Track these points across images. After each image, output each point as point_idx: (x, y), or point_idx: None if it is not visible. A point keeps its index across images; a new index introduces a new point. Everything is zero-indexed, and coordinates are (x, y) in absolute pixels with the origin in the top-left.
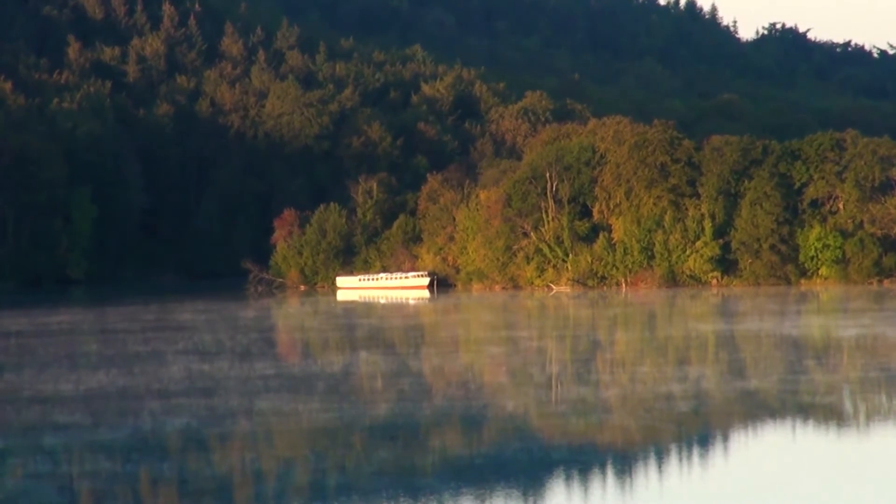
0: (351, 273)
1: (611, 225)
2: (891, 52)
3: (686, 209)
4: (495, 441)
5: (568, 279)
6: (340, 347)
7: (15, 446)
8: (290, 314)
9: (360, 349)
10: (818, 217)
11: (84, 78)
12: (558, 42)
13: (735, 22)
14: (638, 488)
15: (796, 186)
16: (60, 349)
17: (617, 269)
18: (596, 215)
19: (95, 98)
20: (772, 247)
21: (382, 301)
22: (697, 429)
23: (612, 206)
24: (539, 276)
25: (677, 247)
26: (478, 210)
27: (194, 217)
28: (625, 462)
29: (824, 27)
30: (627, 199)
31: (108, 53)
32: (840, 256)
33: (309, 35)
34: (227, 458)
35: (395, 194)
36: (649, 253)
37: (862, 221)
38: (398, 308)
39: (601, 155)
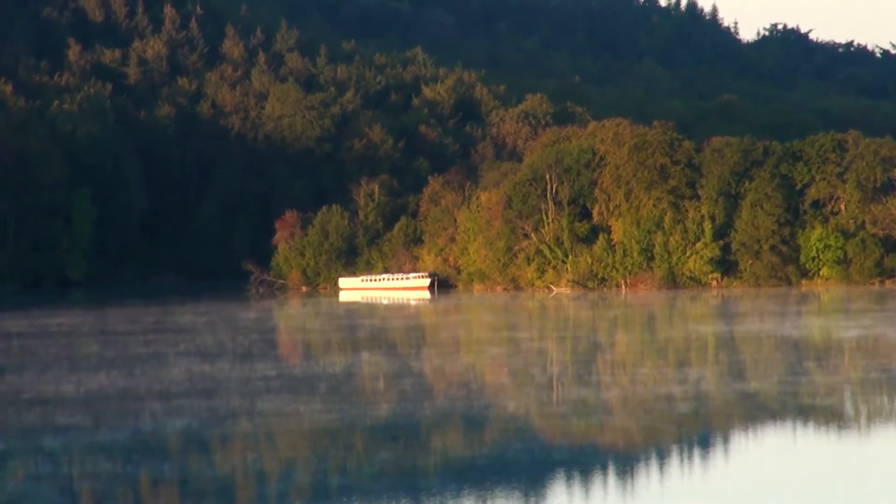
0: (353, 274)
1: (610, 226)
2: (893, 51)
3: (686, 210)
4: (496, 442)
5: (568, 280)
6: (342, 348)
7: (16, 448)
8: (291, 315)
9: (362, 350)
10: (819, 218)
11: (84, 80)
12: (558, 43)
13: (736, 23)
14: (639, 489)
15: (797, 187)
16: (61, 351)
17: (617, 270)
18: (596, 217)
19: (96, 100)
20: (772, 248)
21: (385, 302)
22: (698, 430)
23: (611, 208)
24: (539, 278)
25: (677, 248)
26: (478, 212)
27: (195, 218)
28: (625, 463)
29: (826, 27)
30: (627, 200)
31: (109, 55)
32: (841, 257)
33: (309, 37)
34: (228, 459)
35: (397, 196)
36: (649, 254)
37: (863, 222)
38: (400, 309)
39: (601, 157)
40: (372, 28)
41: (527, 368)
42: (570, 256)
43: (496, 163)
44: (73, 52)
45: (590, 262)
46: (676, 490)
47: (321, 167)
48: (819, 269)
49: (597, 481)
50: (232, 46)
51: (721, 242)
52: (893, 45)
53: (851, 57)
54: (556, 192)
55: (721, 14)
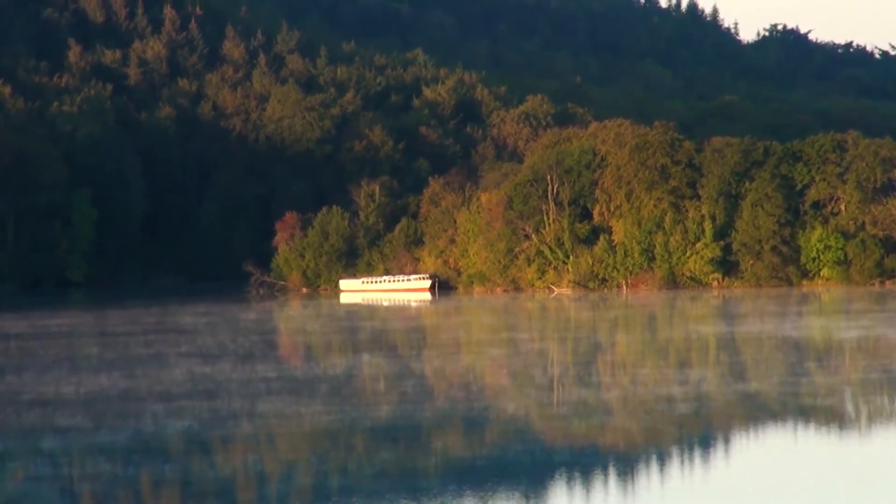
0: (354, 276)
1: (611, 227)
2: (892, 52)
3: (686, 211)
4: (497, 443)
5: (569, 281)
6: (342, 350)
7: (16, 449)
8: (292, 317)
9: (363, 351)
10: (820, 218)
11: (84, 81)
12: (559, 44)
13: (736, 23)
14: (639, 490)
15: (798, 188)
16: (61, 352)
17: (617, 270)
18: (596, 217)
19: (96, 101)
20: (773, 248)
21: (385, 303)
22: (698, 431)
23: (612, 209)
24: (540, 279)
25: (678, 248)
26: (479, 213)
27: (195, 220)
28: (626, 464)
29: (825, 28)
30: (628, 201)
31: (109, 56)
32: (842, 258)
33: (309, 38)
34: (229, 461)
35: (397, 197)
36: (650, 255)
37: (864, 223)
38: (400, 310)
39: (602, 157)
40: (372, 29)
41: (527, 369)
42: (570, 257)
43: (497, 164)
44: (74, 52)
45: (590, 262)
46: (677, 491)
47: (321, 168)
48: (819, 270)
49: (597, 482)
50: (232, 48)
51: (722, 243)
52: (893, 46)
53: (851, 58)
54: (557, 192)
55: (721, 15)
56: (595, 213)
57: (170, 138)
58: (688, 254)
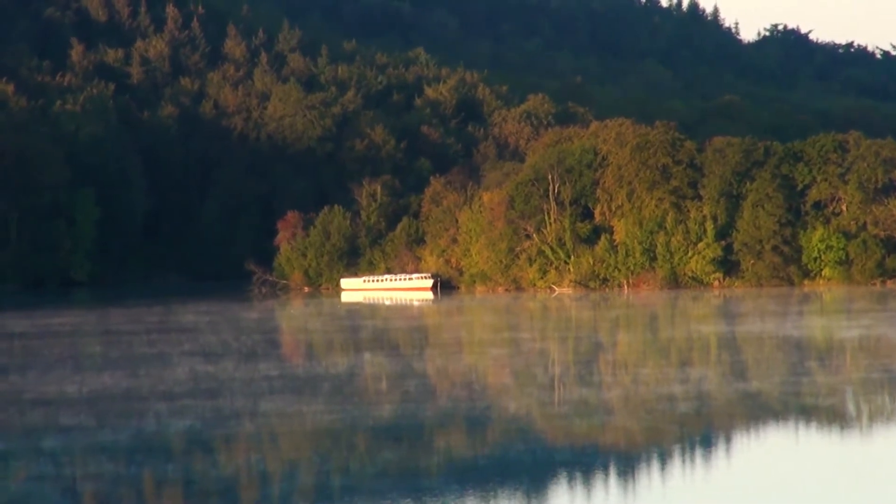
0: (355, 275)
1: (612, 227)
2: (893, 52)
3: (688, 211)
4: (499, 442)
5: (570, 281)
6: (344, 349)
7: (19, 448)
8: (293, 316)
9: (364, 350)
10: (821, 218)
11: (87, 80)
12: (561, 44)
13: (737, 23)
14: (641, 490)
15: (799, 188)
16: (64, 351)
17: (619, 270)
18: (598, 217)
19: (99, 100)
20: (774, 248)
21: (387, 303)
22: (700, 430)
23: (613, 208)
24: (541, 278)
25: (679, 248)
26: (481, 212)
27: (197, 219)
28: (627, 463)
29: (826, 28)
30: (629, 200)
31: (112, 55)
32: (843, 258)
33: (311, 37)
34: (232, 460)
35: (399, 197)
36: (651, 255)
37: (865, 223)
38: (402, 310)
39: (603, 157)
40: (373, 28)
41: (529, 369)
42: (572, 257)
43: (498, 163)
44: (76, 51)
45: (592, 262)
46: (679, 490)
47: (323, 167)
48: (821, 270)
49: (599, 482)
50: (234, 46)
51: (723, 243)
52: (894, 46)
53: (852, 58)
54: (559, 192)
55: (722, 15)
56: (596, 212)
57: (172, 137)
58: (689, 254)
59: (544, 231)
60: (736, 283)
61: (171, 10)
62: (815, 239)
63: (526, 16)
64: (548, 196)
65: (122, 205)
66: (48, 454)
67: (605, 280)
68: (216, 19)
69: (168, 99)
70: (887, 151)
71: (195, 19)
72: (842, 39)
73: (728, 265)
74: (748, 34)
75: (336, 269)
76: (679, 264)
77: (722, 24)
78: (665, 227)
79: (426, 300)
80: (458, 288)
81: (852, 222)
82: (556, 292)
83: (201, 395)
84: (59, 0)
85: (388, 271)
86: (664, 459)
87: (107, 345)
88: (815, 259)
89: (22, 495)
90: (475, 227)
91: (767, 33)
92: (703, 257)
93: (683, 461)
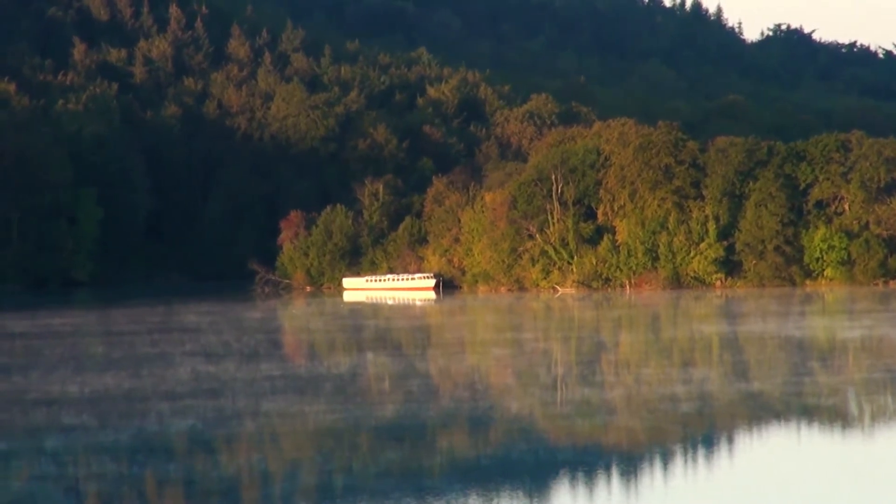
0: (358, 274)
1: (615, 227)
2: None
3: (690, 211)
4: (501, 442)
5: (573, 281)
6: (347, 348)
7: (21, 448)
8: (296, 315)
9: (367, 350)
10: (823, 218)
11: (90, 79)
12: (563, 44)
13: (740, 23)
14: (643, 490)
15: (801, 187)
16: (66, 351)
17: (621, 270)
18: (600, 217)
19: (101, 99)
20: (776, 248)
21: (390, 302)
22: (702, 430)
23: (616, 208)
24: (544, 278)
25: (681, 248)
26: (483, 212)
27: (200, 219)
28: (630, 463)
29: (829, 28)
30: (632, 200)
31: (115, 55)
32: (845, 257)
33: (314, 37)
34: (233, 460)
35: (401, 196)
36: (653, 255)
37: (867, 222)
38: (404, 309)
39: (606, 157)
40: (376, 28)
41: (531, 369)
42: (574, 257)
43: (501, 163)
44: (79, 51)
45: (594, 262)
46: (681, 490)
47: (326, 167)
48: (823, 270)
49: (601, 482)
50: (237, 46)
51: (725, 243)
52: None
53: (854, 57)
54: (561, 192)
55: (725, 14)
56: (599, 212)
57: (175, 137)
58: (691, 254)
59: (547, 231)
60: (738, 284)
61: (174, 10)
62: (817, 239)
63: (529, 15)
64: (551, 196)
65: (125, 205)
66: (50, 454)
67: (607, 280)
68: (219, 19)
69: (171, 99)
70: (890, 151)
71: (198, 19)
72: (845, 39)
73: (730, 265)
74: (751, 34)
75: (338, 269)
76: (681, 264)
77: (725, 24)
78: (667, 228)
79: (428, 300)
80: (461, 288)
81: (855, 222)
82: (559, 292)
83: (203, 396)
84: None
85: (391, 271)
86: (666, 459)
87: (109, 345)
88: (818, 259)
89: (24, 495)
90: (477, 227)
91: (770, 33)
92: (706, 257)
93: (685, 461)
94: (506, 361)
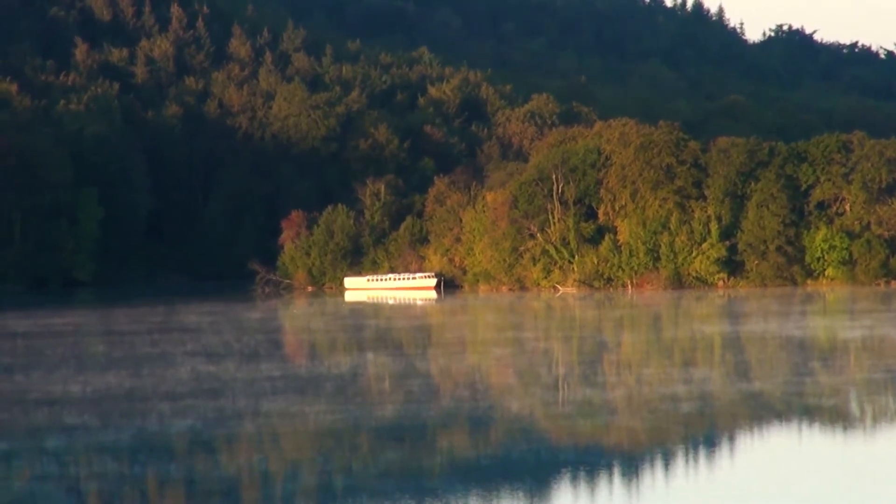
0: (359, 274)
1: (616, 227)
2: None
3: (692, 211)
4: (502, 442)
5: (574, 280)
6: (347, 348)
7: (23, 448)
8: (297, 315)
9: (367, 350)
10: (825, 218)
11: (91, 79)
12: (564, 44)
13: (741, 23)
14: (644, 490)
15: (803, 188)
16: (67, 351)
17: (623, 270)
18: (601, 217)
19: (103, 99)
20: (778, 248)
21: (391, 302)
22: (703, 430)
23: (617, 208)
24: (545, 278)
25: (683, 248)
26: (484, 212)
27: (201, 218)
28: (631, 463)
29: (831, 28)
30: (633, 200)
31: (116, 55)
32: (847, 258)
33: (315, 37)
34: (234, 460)
35: (403, 196)
36: (655, 255)
37: (869, 223)
38: (405, 309)
39: (607, 157)
40: (377, 28)
41: (532, 369)
42: (576, 256)
43: (502, 163)
44: (80, 51)
45: (596, 262)
46: (682, 490)
47: (327, 167)
48: (824, 270)
49: (603, 482)
50: (239, 46)
51: (727, 243)
52: None
53: (856, 58)
54: (562, 192)
55: (727, 15)
56: (600, 212)
57: (176, 137)
58: (693, 254)
59: (548, 231)
60: (740, 284)
61: (175, 10)
62: (818, 239)
63: (530, 15)
64: (552, 196)
65: (126, 204)
66: (52, 454)
67: (609, 280)
68: (221, 19)
69: (172, 98)
70: (891, 151)
71: (200, 19)
72: (846, 39)
73: (732, 265)
74: (753, 34)
75: (340, 269)
76: (683, 264)
77: (726, 24)
78: (669, 228)
79: (429, 299)
80: (462, 287)
81: (856, 222)
82: (560, 292)
83: (204, 396)
84: None
85: (392, 270)
86: (668, 459)
87: (110, 345)
88: (819, 259)
89: (25, 495)
90: (479, 227)
91: (772, 33)
92: (707, 257)
93: (687, 461)
94: (507, 361)
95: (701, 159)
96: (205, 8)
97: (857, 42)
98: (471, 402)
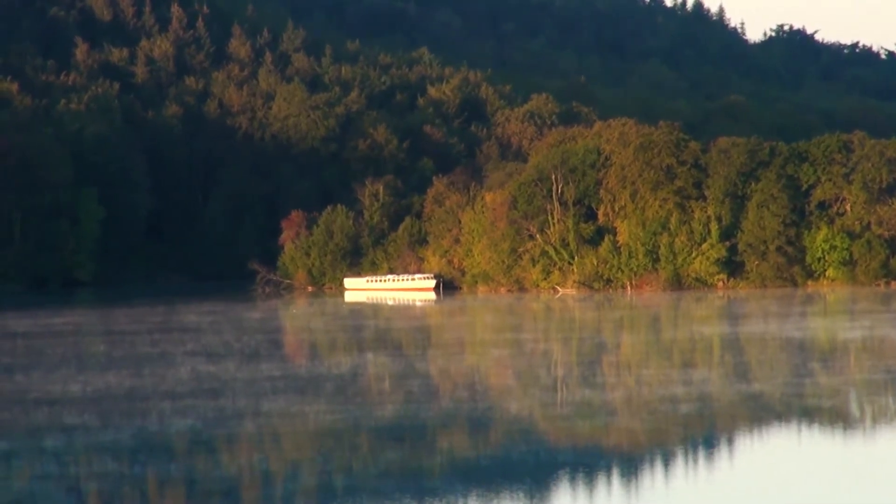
0: (359, 274)
1: (616, 228)
2: None
3: (692, 211)
4: (502, 443)
5: (573, 282)
6: (347, 349)
7: (23, 447)
8: (297, 315)
9: (367, 350)
10: (825, 219)
11: (91, 79)
12: (564, 44)
13: (742, 23)
14: (643, 490)
15: (803, 188)
16: (67, 350)
17: (622, 271)
18: (601, 218)
19: (103, 99)
20: (778, 249)
21: (390, 303)
22: (703, 431)
23: (617, 209)
24: (544, 279)
25: (683, 249)
26: (483, 213)
27: (201, 218)
28: (630, 464)
29: (831, 28)
30: (633, 201)
31: (117, 55)
32: (847, 258)
33: (315, 37)
34: (234, 460)
35: (402, 197)
36: (654, 256)
37: (869, 223)
38: (405, 310)
39: (606, 157)
40: (377, 28)
41: (532, 370)
42: (575, 258)
43: (501, 163)
44: (81, 51)
45: (595, 263)
46: (681, 491)
47: (326, 167)
48: (825, 270)
49: (602, 483)
50: (238, 46)
51: (727, 243)
52: None
53: (857, 58)
54: (562, 192)
55: (727, 14)
56: (600, 213)
57: (176, 137)
58: (693, 254)
59: (548, 232)
60: (740, 284)
61: (175, 10)
62: (818, 239)
63: (529, 15)
64: (551, 196)
65: (126, 204)
66: (52, 453)
67: (608, 281)
68: (221, 19)
69: (172, 98)
70: (892, 151)
71: (200, 19)
72: (847, 40)
73: (732, 266)
74: (753, 34)
75: (339, 269)
76: (683, 265)
77: (727, 24)
78: (669, 228)
79: (429, 300)
80: (461, 288)
81: (856, 222)
82: (560, 293)
83: (204, 395)
84: None
85: (391, 271)
86: (667, 461)
87: (110, 344)
88: (819, 260)
89: (26, 494)
90: (478, 228)
91: (773, 33)
92: (707, 258)
93: (686, 462)
94: (506, 362)
95: (701, 159)
96: (205, 8)
97: (857, 42)
98: (470, 403)
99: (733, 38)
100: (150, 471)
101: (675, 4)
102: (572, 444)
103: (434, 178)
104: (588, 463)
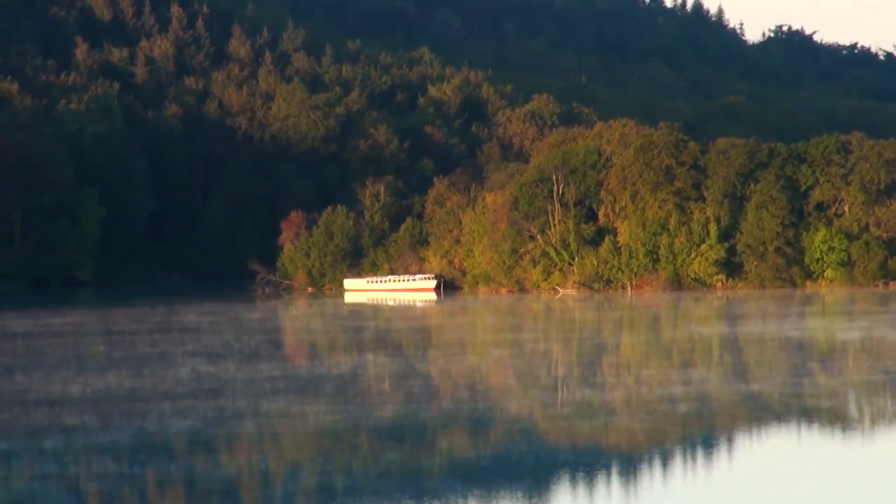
0: (359, 275)
1: (616, 228)
2: None
3: (691, 212)
4: (501, 443)
5: (574, 282)
6: (347, 349)
7: (23, 448)
8: (297, 316)
9: (367, 351)
10: (824, 220)
11: (92, 79)
12: (565, 44)
13: (741, 24)
14: (643, 490)
15: (802, 189)
16: (67, 351)
17: (622, 272)
18: (602, 218)
19: (103, 99)
20: (777, 249)
21: (391, 303)
22: (702, 432)
23: (617, 210)
24: (545, 280)
25: (682, 250)
26: (484, 213)
27: (201, 219)
28: (630, 464)
29: (830, 29)
30: (633, 202)
31: (117, 55)
32: (845, 259)
33: (315, 37)
34: (234, 460)
35: (402, 197)
36: (654, 256)
37: (867, 224)
38: (405, 310)
39: (607, 158)
40: (378, 28)
41: (532, 370)
42: (576, 258)
43: (502, 164)
44: (81, 51)
45: (595, 264)
46: (680, 491)
47: (327, 167)
48: (823, 271)
49: (601, 483)
50: (238, 46)
51: (726, 244)
52: None
53: (856, 59)
54: (563, 193)
55: (727, 15)
56: (600, 214)
57: (176, 137)
58: (692, 255)
59: (548, 232)
60: (739, 285)
61: (175, 10)
62: (817, 240)
63: (530, 15)
64: (552, 197)
65: (126, 204)
66: (52, 454)
67: (608, 281)
68: (221, 19)
69: (172, 98)
70: (890, 152)
71: (200, 19)
72: (846, 41)
73: (731, 267)
74: (753, 35)
75: (339, 270)
76: (682, 266)
77: (726, 25)
78: (668, 229)
79: (429, 301)
80: (461, 289)
81: (855, 223)
82: (560, 294)
83: (204, 396)
84: None
85: (392, 272)
86: (666, 460)
87: (110, 345)
88: (818, 260)
89: (26, 494)
90: (478, 229)
91: (772, 34)
92: (707, 259)
93: (685, 462)
94: (506, 362)
95: (700, 160)
96: (205, 8)
97: (856, 43)
98: (470, 403)
99: (732, 38)
100: (149, 471)
101: (674, 5)
102: (572, 444)
103: (435, 178)
104: (588, 463)
